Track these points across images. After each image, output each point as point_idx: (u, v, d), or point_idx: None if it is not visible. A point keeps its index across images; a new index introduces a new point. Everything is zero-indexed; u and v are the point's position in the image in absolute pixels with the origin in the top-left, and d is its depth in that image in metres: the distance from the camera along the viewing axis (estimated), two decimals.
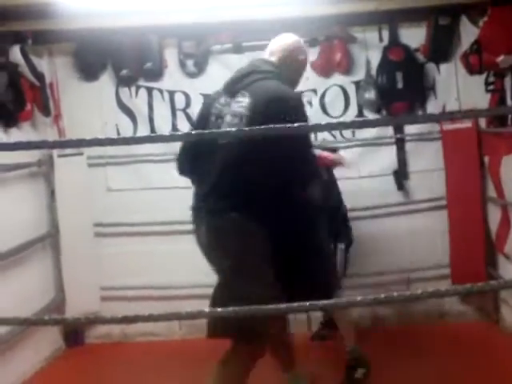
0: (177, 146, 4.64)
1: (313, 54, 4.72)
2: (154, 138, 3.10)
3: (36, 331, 4.36)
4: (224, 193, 3.03)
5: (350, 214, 4.45)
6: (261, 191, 2.99)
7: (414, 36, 4.69)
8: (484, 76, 4.38)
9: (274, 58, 3.30)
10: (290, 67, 3.30)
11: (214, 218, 3.05)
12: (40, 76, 4.44)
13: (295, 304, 2.25)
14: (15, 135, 4.27)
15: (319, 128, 3.53)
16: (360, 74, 4.77)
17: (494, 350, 4.31)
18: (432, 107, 4.76)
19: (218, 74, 4.77)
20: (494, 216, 4.59)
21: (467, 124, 4.63)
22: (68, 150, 4.62)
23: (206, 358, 4.29)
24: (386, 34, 4.70)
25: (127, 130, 4.84)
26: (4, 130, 4.14)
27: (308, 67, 4.63)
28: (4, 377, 4.03)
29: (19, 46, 4.23)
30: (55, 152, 4.61)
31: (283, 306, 2.37)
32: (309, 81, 4.74)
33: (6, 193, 4.22)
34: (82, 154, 4.68)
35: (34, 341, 4.39)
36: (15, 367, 4.17)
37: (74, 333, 4.88)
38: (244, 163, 2.98)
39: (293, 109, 3.02)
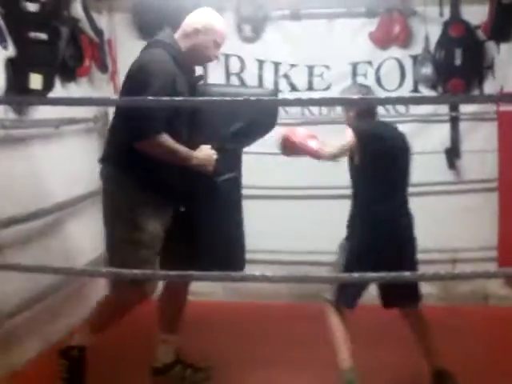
0: None
1: (371, 26, 4.70)
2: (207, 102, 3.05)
3: (84, 286, 4.48)
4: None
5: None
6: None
7: (476, 13, 4.58)
8: None
9: (179, 31, 3.43)
10: (187, 42, 3.35)
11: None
12: (99, 32, 4.51)
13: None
14: (72, 90, 4.35)
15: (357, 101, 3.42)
16: (418, 49, 4.69)
17: None
18: (489, 87, 4.66)
19: (275, 40, 4.84)
20: None
21: None
22: None
23: (239, 320, 4.51)
24: (447, 10, 4.59)
25: None
26: (62, 85, 4.21)
27: (365, 38, 4.72)
28: (55, 329, 4.13)
29: (81, 0, 4.29)
30: (111, 109, 4.67)
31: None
32: (365, 52, 4.77)
33: (62, 147, 4.31)
34: None
35: (83, 295, 4.50)
36: (65, 319, 4.26)
37: None
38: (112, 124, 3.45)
39: (133, 74, 3.28)
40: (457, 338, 4.15)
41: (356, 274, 2.71)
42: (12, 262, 3.50)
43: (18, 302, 3.75)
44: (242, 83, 4.86)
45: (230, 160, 3.46)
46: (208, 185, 3.37)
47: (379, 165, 3.42)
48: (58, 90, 4.12)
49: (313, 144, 3.31)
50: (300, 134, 3.34)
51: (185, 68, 3.30)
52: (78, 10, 4.27)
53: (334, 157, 3.38)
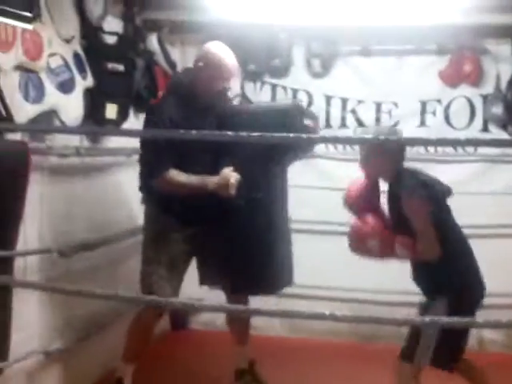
0: None
1: (441, 63, 4.68)
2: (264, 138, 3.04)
3: None
4: None
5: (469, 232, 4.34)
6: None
7: None
8: None
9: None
10: (193, 73, 3.53)
11: None
12: (173, 64, 4.61)
13: None
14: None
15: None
16: (488, 88, 4.63)
17: None
18: None
19: (344, 75, 4.85)
20: None
21: None
22: None
23: (297, 357, 4.47)
24: None
25: None
26: (135, 115, 4.31)
27: (435, 76, 4.71)
28: (110, 352, 4.11)
29: (156, 34, 4.41)
30: None
31: None
32: (434, 90, 4.74)
33: (132, 175, 4.37)
34: None
35: None
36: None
37: (178, 317, 5.03)
38: None
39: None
40: None
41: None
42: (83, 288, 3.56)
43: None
44: None
45: (260, 180, 3.51)
46: (232, 207, 3.42)
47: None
48: (131, 120, 4.22)
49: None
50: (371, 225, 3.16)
51: (198, 102, 3.45)
52: (153, 42, 4.39)
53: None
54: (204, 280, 3.76)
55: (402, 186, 3.14)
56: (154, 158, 3.37)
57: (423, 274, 3.24)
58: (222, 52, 3.50)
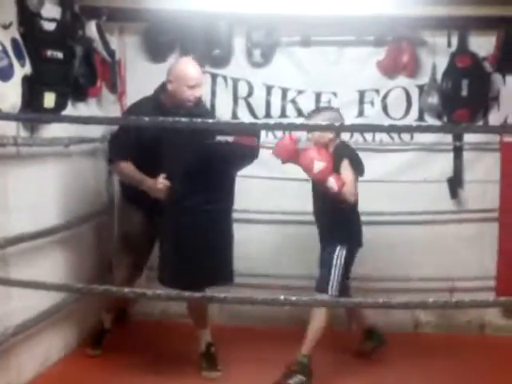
0: None
1: (379, 54, 4.76)
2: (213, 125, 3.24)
3: (84, 304, 4.44)
4: None
5: (404, 218, 4.47)
6: None
7: (483, 44, 4.66)
8: None
9: None
10: (168, 89, 3.96)
11: None
12: (111, 53, 4.53)
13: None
14: (81, 109, 4.35)
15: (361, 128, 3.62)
16: (425, 78, 4.75)
17: None
18: (494, 118, 4.73)
19: (284, 65, 4.87)
20: None
21: None
22: None
23: (238, 344, 4.51)
24: (454, 40, 4.67)
25: None
26: (72, 104, 4.21)
27: (373, 66, 4.78)
28: (53, 345, 4.15)
29: (95, 21, 4.32)
30: None
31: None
32: (372, 80, 4.82)
33: (69, 166, 4.31)
34: None
35: (83, 312, 4.49)
36: (64, 336, 4.29)
37: (119, 309, 4.94)
38: None
39: None
40: (452, 366, 4.21)
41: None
42: (17, 279, 3.48)
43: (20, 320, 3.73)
44: (250, 108, 4.89)
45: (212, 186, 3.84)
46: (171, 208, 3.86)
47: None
48: (68, 109, 4.11)
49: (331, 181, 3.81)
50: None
51: (170, 109, 3.86)
52: (91, 29, 4.30)
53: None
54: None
55: (343, 151, 4.00)
56: (117, 146, 4.00)
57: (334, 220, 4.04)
58: (189, 66, 3.97)
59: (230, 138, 3.74)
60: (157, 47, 4.79)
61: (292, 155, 3.88)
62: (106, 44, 4.44)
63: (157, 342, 4.61)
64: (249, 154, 3.90)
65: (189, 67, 3.95)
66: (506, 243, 4.72)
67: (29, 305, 3.75)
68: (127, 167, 3.94)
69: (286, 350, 4.04)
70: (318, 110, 4.36)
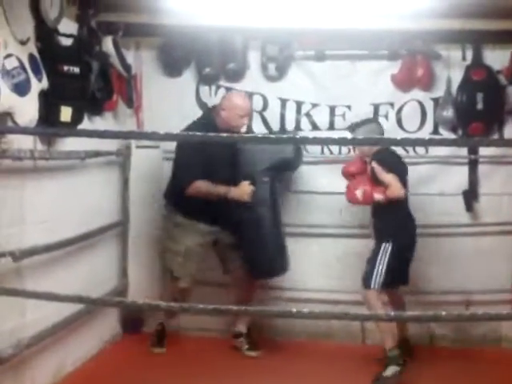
0: None
1: (394, 68, 4.78)
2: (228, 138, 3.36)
3: (97, 316, 4.49)
4: None
5: (420, 231, 4.48)
6: None
7: (498, 58, 4.66)
8: None
9: None
10: (220, 117, 4.48)
11: None
12: (128, 68, 4.59)
13: None
14: (98, 123, 4.40)
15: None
16: (439, 92, 4.76)
17: None
18: (509, 131, 4.72)
19: (299, 79, 4.91)
20: None
21: None
22: (146, 142, 4.75)
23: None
24: (469, 54, 4.68)
25: None
26: (89, 118, 4.26)
27: (387, 80, 4.80)
28: (66, 356, 4.17)
29: (111, 36, 4.38)
30: (133, 143, 4.76)
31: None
32: (386, 94, 4.84)
33: (85, 178, 4.35)
34: (158, 147, 4.80)
35: (95, 324, 4.51)
36: (77, 348, 4.30)
37: (132, 320, 4.99)
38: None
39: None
40: (470, 380, 4.18)
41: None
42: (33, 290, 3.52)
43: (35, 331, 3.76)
44: (264, 121, 4.93)
45: (266, 191, 4.52)
46: (247, 210, 4.45)
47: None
48: (85, 123, 4.16)
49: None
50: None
51: (224, 131, 4.32)
52: (108, 45, 4.35)
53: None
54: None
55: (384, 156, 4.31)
56: (185, 170, 4.41)
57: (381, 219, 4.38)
58: (240, 97, 4.54)
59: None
60: (172, 62, 4.85)
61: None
62: (122, 59, 4.49)
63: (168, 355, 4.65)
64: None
65: (241, 99, 4.51)
66: None
67: (43, 316, 3.77)
68: (203, 184, 4.38)
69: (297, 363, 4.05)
70: (360, 123, 4.47)
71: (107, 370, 4.33)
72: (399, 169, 4.33)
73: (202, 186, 4.38)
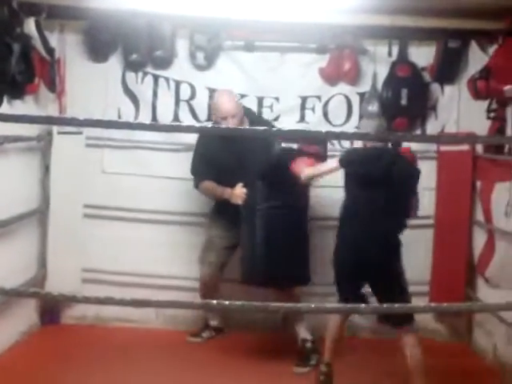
0: (178, 136, 4.77)
1: (322, 61, 4.81)
2: (155, 127, 3.25)
3: (13, 306, 4.36)
4: None
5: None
6: None
7: (423, 55, 4.78)
8: (485, 103, 4.50)
9: None
10: None
11: None
12: (51, 51, 4.43)
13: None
14: (18, 107, 4.23)
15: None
16: (366, 86, 4.83)
17: (463, 370, 4.41)
18: (431, 127, 4.85)
19: (227, 69, 4.88)
20: (479, 239, 4.69)
21: (464, 147, 4.71)
22: (68, 128, 4.59)
23: (174, 349, 4.51)
24: (395, 50, 4.76)
25: (129, 115, 4.84)
26: (8, 101, 4.10)
27: (315, 73, 4.82)
28: None
29: (34, 18, 4.22)
30: (55, 128, 4.61)
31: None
32: (314, 87, 4.86)
33: (3, 164, 4.20)
34: (81, 133, 4.66)
35: (11, 315, 4.37)
36: None
37: (49, 311, 4.88)
38: None
39: None
40: (391, 371, 4.24)
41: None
42: None
43: None
44: (192, 110, 4.88)
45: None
46: (249, 212, 4.30)
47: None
48: (4, 107, 4.01)
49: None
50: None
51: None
52: (30, 27, 4.19)
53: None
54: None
55: None
56: (196, 170, 4.51)
57: None
58: (221, 96, 4.42)
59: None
60: (98, 46, 4.72)
61: None
62: (45, 42, 4.35)
63: (86, 347, 4.53)
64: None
65: (221, 101, 4.40)
66: (440, 250, 4.83)
67: None
68: (208, 185, 4.47)
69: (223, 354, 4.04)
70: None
71: (23, 361, 4.21)
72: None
73: (207, 186, 4.48)
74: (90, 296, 3.01)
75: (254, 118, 4.58)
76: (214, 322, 4.84)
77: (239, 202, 4.33)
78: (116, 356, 4.35)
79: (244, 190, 4.33)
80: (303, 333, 4.44)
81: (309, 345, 4.40)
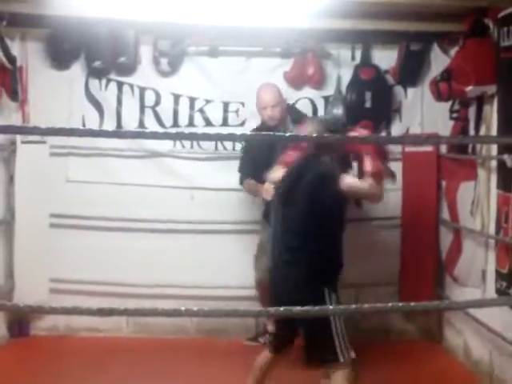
0: (143, 143, 4.75)
1: (287, 66, 4.83)
2: (119, 133, 3.22)
3: None
4: None
5: None
6: None
7: (386, 58, 4.83)
8: (448, 104, 4.57)
9: None
10: None
11: None
12: (12, 59, 4.38)
13: None
14: None
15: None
16: (330, 90, 4.86)
17: (435, 369, 4.45)
18: (396, 129, 4.91)
19: (191, 75, 4.87)
20: (446, 238, 4.76)
21: (428, 148, 4.78)
22: (31, 137, 4.54)
23: (146, 356, 4.47)
24: (358, 54, 4.81)
25: (93, 122, 4.81)
26: None
27: (280, 77, 4.82)
28: None
29: None
30: (19, 138, 4.55)
31: None
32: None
33: None
34: (44, 142, 4.61)
35: None
36: None
37: (18, 323, 4.80)
38: None
39: None
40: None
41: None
42: None
43: None
44: (157, 117, 4.85)
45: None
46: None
47: None
48: None
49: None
50: None
51: (271, 127, 4.40)
52: None
53: None
54: None
55: None
56: (240, 168, 4.60)
57: None
58: (262, 88, 4.53)
59: None
60: (60, 54, 4.68)
61: None
62: (6, 50, 4.30)
63: (56, 359, 4.46)
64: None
65: (261, 92, 4.52)
66: (409, 250, 4.88)
67: None
68: (249, 183, 4.53)
69: (190, 361, 4.03)
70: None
71: None
72: None
73: (248, 183, 4.53)
74: (57, 306, 2.99)
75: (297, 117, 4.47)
76: (271, 328, 4.78)
77: (268, 197, 4.07)
78: (86, 366, 4.29)
79: (272, 187, 3.96)
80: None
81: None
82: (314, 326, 3.30)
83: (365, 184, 3.42)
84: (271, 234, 3.76)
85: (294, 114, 4.57)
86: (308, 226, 3.40)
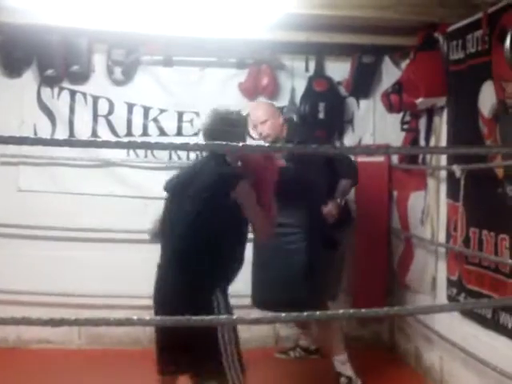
0: (97, 152, 4.70)
1: (241, 76, 4.86)
2: (71, 142, 3.14)
3: None
4: None
5: None
6: None
7: (339, 70, 4.90)
8: (399, 115, 4.65)
9: None
10: None
11: None
12: None
13: None
14: None
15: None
16: (284, 101, 4.90)
17: (387, 375, 4.50)
18: (349, 139, 4.99)
19: (146, 84, 4.86)
20: (397, 247, 4.84)
21: (380, 158, 4.85)
22: None
23: (99, 368, 4.41)
24: (312, 65, 4.86)
25: (45, 131, 4.74)
26: None
27: (235, 88, 4.87)
28: None
29: None
30: None
31: None
32: (234, 101, 4.80)
33: None
34: None
35: None
36: None
37: None
38: None
39: None
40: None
41: None
42: None
43: None
44: (110, 126, 4.82)
45: None
46: None
47: None
48: None
49: None
50: None
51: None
52: None
53: None
54: None
55: None
56: None
57: None
58: (253, 106, 4.44)
59: None
60: (11, 62, 4.63)
61: None
62: None
63: (5, 371, 4.31)
64: None
65: (251, 110, 4.33)
66: (361, 258, 4.93)
67: None
68: None
69: (143, 372, 3.97)
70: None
71: None
72: None
73: None
74: (5, 317, 2.93)
75: (295, 131, 4.30)
76: (303, 342, 4.78)
77: None
78: (37, 379, 4.21)
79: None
80: (338, 364, 4.28)
81: (343, 379, 4.26)
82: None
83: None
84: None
85: (292, 128, 4.35)
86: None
